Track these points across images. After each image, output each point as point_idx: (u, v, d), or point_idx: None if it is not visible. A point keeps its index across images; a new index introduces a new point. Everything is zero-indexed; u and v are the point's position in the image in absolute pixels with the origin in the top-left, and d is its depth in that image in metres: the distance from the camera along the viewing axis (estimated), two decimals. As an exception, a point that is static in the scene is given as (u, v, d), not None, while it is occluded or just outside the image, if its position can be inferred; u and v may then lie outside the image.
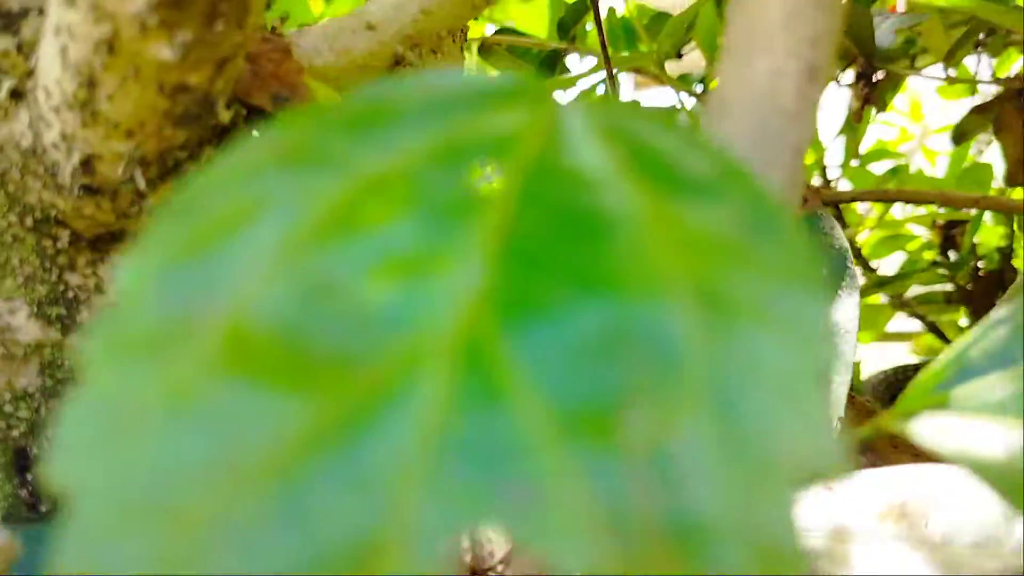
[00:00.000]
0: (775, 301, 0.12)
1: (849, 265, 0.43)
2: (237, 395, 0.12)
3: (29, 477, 0.32)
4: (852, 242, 1.03)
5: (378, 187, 0.14)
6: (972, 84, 0.99)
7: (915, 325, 1.09)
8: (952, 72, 0.82)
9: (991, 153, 1.16)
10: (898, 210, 1.15)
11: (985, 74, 0.95)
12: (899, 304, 1.05)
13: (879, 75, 0.89)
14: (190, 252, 0.14)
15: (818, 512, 0.34)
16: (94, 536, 0.12)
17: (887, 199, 0.91)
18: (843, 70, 0.90)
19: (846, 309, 0.41)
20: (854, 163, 1.10)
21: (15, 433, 0.32)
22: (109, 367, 0.13)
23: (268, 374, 0.13)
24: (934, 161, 1.33)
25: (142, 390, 0.13)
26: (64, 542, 0.12)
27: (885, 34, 0.85)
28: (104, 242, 0.32)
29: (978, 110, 0.88)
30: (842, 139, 1.06)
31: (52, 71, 0.26)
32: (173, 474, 0.12)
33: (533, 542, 0.11)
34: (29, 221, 0.30)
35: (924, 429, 0.22)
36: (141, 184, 0.28)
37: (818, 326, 0.12)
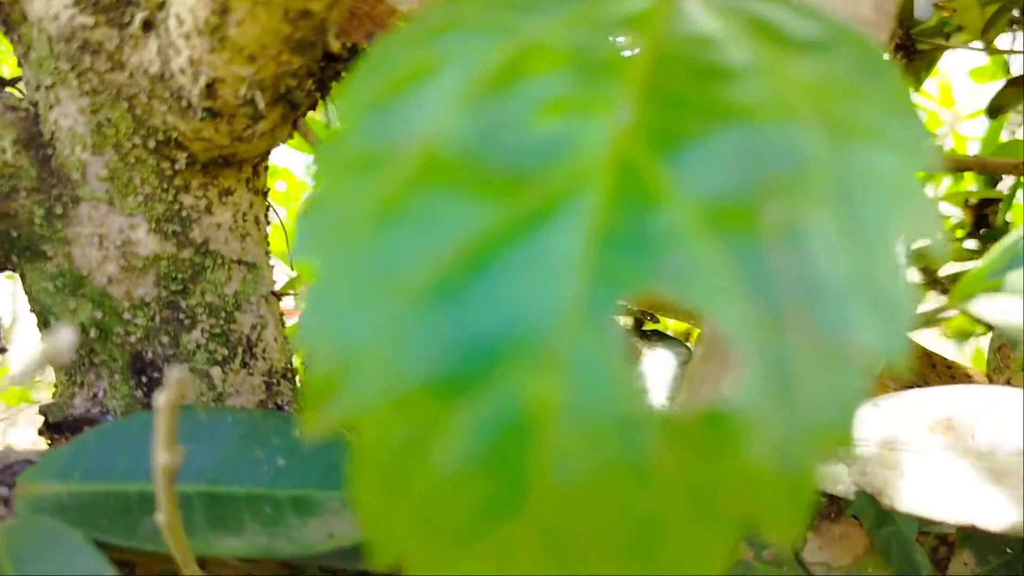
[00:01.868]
0: (885, 125, 0.15)
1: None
2: (434, 201, 0.15)
3: (144, 379, 0.35)
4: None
5: (540, 47, 0.17)
6: (1005, 62, 1.00)
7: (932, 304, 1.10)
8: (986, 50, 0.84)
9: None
10: (930, 190, 1.16)
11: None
12: (931, 282, 1.06)
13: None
14: (389, 95, 0.16)
15: (869, 425, 0.37)
16: (332, 303, 0.15)
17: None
18: (882, 43, 0.91)
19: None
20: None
21: (132, 339, 0.35)
22: (332, 181, 0.16)
23: (458, 186, 0.15)
24: (965, 147, 1.34)
25: (360, 197, 0.15)
26: (306, 311, 0.15)
27: (924, 7, 0.86)
28: (216, 166, 0.35)
29: (1014, 83, 0.89)
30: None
31: (187, 0, 0.29)
32: (390, 258, 0.15)
33: (689, 299, 0.14)
34: (152, 143, 0.33)
35: (980, 307, 0.25)
36: (261, 105, 0.31)
37: (921, 143, 0.15)
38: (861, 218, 0.14)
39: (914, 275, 1.04)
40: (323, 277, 0.15)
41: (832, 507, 0.37)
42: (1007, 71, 1.09)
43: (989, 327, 1.01)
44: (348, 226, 0.15)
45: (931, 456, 0.36)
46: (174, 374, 0.21)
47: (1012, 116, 1.17)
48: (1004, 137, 1.16)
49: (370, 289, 0.15)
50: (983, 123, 1.16)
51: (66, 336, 0.18)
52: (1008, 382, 0.45)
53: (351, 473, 0.15)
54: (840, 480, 0.35)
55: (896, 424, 0.37)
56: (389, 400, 0.14)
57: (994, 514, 0.33)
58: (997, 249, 0.26)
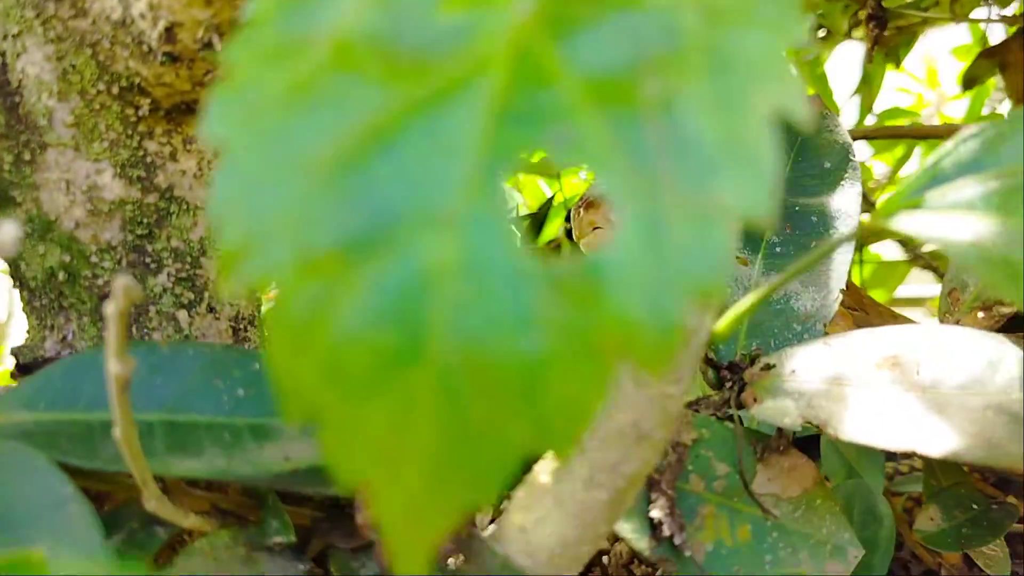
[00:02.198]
0: (758, 7, 0.16)
1: (851, 159, 0.46)
2: (343, 84, 0.16)
3: (113, 322, 0.36)
4: (867, 196, 1.05)
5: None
6: (983, 36, 1.01)
7: (928, 290, 1.11)
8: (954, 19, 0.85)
9: (1004, 109, 1.17)
10: (915, 164, 1.17)
11: (996, 26, 0.97)
12: (914, 257, 1.07)
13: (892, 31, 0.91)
14: (304, -10, 0.17)
15: (817, 363, 0.38)
16: (244, 177, 0.16)
17: (900, 135, 0.93)
18: (855, 14, 0.92)
19: (848, 196, 0.45)
20: (870, 120, 1.12)
21: (100, 282, 0.36)
22: (246, 69, 0.17)
23: (366, 71, 0.16)
24: (950, 129, 1.34)
25: (272, 82, 0.16)
26: (216, 188, 0.16)
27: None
28: (179, 113, 0.36)
29: (986, 54, 0.90)
30: (856, 100, 1.08)
31: (142, -58, 0.30)
32: (300, 137, 0.16)
33: (570, 162, 0.15)
34: (115, 89, 0.34)
35: (901, 224, 0.26)
36: (219, 48, 0.32)
37: (789, 23, 0.16)
38: (731, 90, 0.15)
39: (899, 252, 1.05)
40: (234, 153, 0.16)
41: (780, 440, 0.38)
42: (984, 45, 1.10)
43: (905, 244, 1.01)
44: (260, 108, 0.16)
45: (877, 390, 0.37)
46: (119, 282, 0.22)
47: (994, 93, 1.18)
48: (985, 112, 1.17)
49: (280, 164, 0.16)
50: (968, 105, 1.17)
51: (9, 229, 0.19)
52: (957, 323, 0.46)
53: (266, 335, 0.16)
54: (787, 413, 0.37)
55: (844, 361, 0.38)
56: (298, 264, 0.15)
57: (935, 442, 0.34)
58: (918, 169, 0.27)
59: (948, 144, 0.26)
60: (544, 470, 0.30)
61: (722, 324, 0.31)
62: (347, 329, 0.15)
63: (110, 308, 0.22)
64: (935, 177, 0.26)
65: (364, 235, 0.15)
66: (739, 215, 0.14)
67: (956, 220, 0.25)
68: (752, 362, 0.41)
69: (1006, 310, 0.44)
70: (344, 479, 0.15)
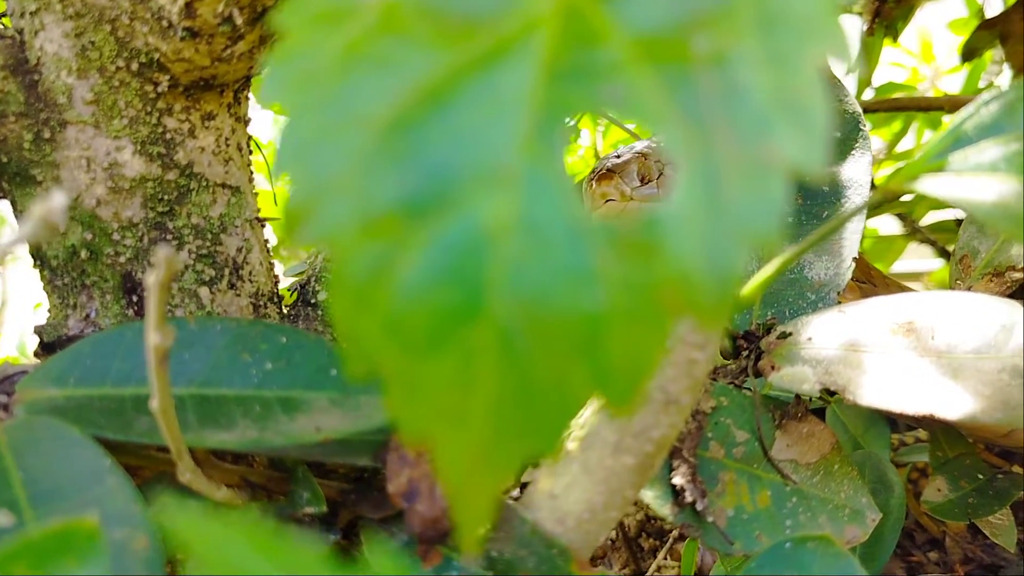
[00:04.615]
0: (804, -34, 0.16)
1: (861, 128, 0.46)
2: (394, 46, 0.16)
3: (134, 298, 0.36)
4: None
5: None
6: (980, 9, 1.01)
7: (926, 265, 1.11)
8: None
9: (1002, 81, 1.18)
10: (911, 139, 1.18)
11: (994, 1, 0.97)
12: (912, 231, 1.07)
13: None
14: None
15: (833, 330, 0.38)
16: (304, 139, 0.16)
17: (900, 108, 0.93)
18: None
19: (859, 165, 0.45)
20: (868, 95, 1.12)
21: (122, 259, 0.36)
22: (299, 34, 0.17)
23: (417, 33, 0.17)
24: (946, 102, 1.34)
25: (325, 46, 0.17)
26: (281, 148, 0.16)
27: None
28: (197, 89, 0.36)
29: (986, 25, 0.90)
30: (854, 77, 1.07)
31: (162, -83, 0.30)
32: (355, 99, 0.16)
33: (624, 117, 0.15)
34: (135, 65, 0.34)
35: (925, 186, 0.26)
36: (239, 21, 0.32)
37: (837, -20, 0.16)
38: (781, 45, 0.15)
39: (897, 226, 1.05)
40: (294, 117, 0.16)
41: (799, 407, 0.39)
42: (982, 17, 1.10)
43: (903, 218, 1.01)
44: (316, 71, 0.16)
45: (893, 355, 0.37)
46: (162, 252, 0.22)
47: (990, 66, 1.18)
48: (982, 83, 1.17)
49: (338, 125, 0.16)
50: (964, 78, 1.17)
51: (60, 198, 0.19)
52: (969, 289, 0.46)
53: (328, 292, 0.16)
54: (805, 380, 0.37)
55: (860, 328, 0.39)
56: (358, 223, 0.16)
57: (951, 405, 0.35)
58: (941, 133, 0.28)
59: (969, 108, 0.27)
60: (572, 437, 0.31)
61: (746, 291, 0.31)
62: (408, 287, 0.15)
63: (150, 278, 0.23)
64: (957, 140, 0.27)
65: (422, 195, 0.15)
66: (793, 167, 0.15)
67: (980, 181, 0.25)
68: (768, 331, 0.41)
69: (1018, 276, 0.44)
70: (408, 433, 0.16)
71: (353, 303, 0.15)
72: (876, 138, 1.20)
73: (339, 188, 0.16)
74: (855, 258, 0.43)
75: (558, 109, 0.16)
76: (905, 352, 0.38)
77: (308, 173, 0.16)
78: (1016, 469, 0.57)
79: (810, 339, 0.39)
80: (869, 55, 1.06)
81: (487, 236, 0.15)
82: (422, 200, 0.15)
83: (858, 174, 0.45)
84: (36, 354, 0.38)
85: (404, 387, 0.15)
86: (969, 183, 0.25)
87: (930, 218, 1.09)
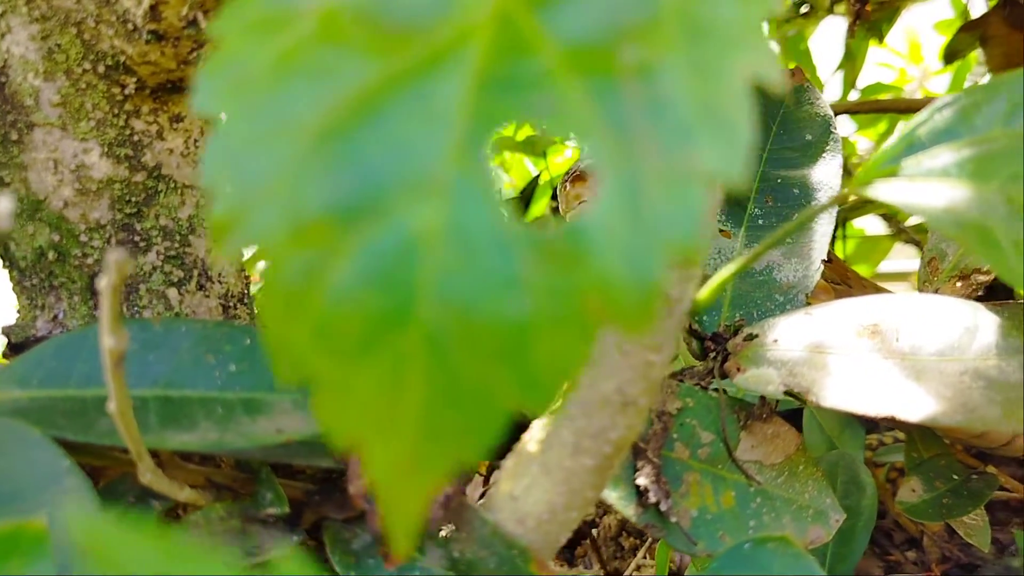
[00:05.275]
0: (733, -23, 0.16)
1: (832, 131, 0.46)
2: (330, 55, 0.17)
3: (104, 301, 0.37)
4: (850, 170, 1.06)
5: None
6: (965, 9, 1.02)
7: (912, 265, 1.12)
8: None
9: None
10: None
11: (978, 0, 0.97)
12: (897, 232, 1.07)
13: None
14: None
15: (799, 332, 0.39)
16: (232, 150, 0.16)
17: (883, 110, 0.94)
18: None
19: (830, 168, 0.45)
20: (853, 96, 1.12)
21: (89, 260, 0.36)
22: (234, 40, 0.17)
23: (353, 41, 0.17)
24: (934, 103, 1.34)
25: (260, 54, 0.17)
26: (209, 154, 0.16)
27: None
28: (165, 92, 0.36)
29: (967, 27, 0.91)
30: (840, 76, 1.08)
31: (125, -80, 0.30)
32: (288, 108, 0.16)
33: (552, 130, 0.15)
34: (101, 68, 0.34)
35: (878, 191, 0.26)
36: (204, 24, 0.32)
37: (763, -8, 0.16)
38: (707, 57, 0.15)
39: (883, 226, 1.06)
40: (224, 125, 0.16)
41: (763, 408, 0.39)
42: (967, 19, 1.11)
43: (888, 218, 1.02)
44: (248, 79, 0.17)
45: (857, 357, 0.38)
46: (112, 256, 0.22)
47: (976, 68, 1.18)
48: (967, 85, 1.18)
49: (269, 134, 0.16)
50: (950, 79, 1.17)
51: (5, 203, 0.19)
52: (936, 292, 0.47)
53: (259, 300, 0.17)
54: (770, 381, 0.37)
55: (826, 330, 0.39)
56: (289, 231, 0.16)
57: (912, 407, 0.35)
58: (894, 138, 0.28)
59: (923, 113, 0.27)
60: (532, 439, 0.31)
61: (704, 293, 0.32)
62: (338, 294, 0.15)
63: (103, 282, 0.23)
64: (911, 145, 0.27)
65: (352, 202, 0.16)
66: (714, 178, 0.15)
67: (931, 187, 0.26)
68: (735, 332, 0.41)
69: (983, 278, 0.44)
70: (338, 440, 0.16)
71: (283, 309, 0.16)
72: (863, 139, 1.21)
73: (269, 196, 0.16)
74: (824, 260, 0.43)
75: (488, 119, 0.16)
76: (869, 354, 0.38)
77: (238, 181, 0.16)
78: (991, 470, 0.57)
79: (776, 341, 0.39)
80: (854, 56, 1.07)
81: (416, 243, 0.15)
82: (353, 207, 0.16)
83: (828, 176, 0.45)
84: (4, 355, 0.38)
85: (334, 393, 0.16)
86: (921, 189, 0.26)
87: (916, 219, 1.10)
